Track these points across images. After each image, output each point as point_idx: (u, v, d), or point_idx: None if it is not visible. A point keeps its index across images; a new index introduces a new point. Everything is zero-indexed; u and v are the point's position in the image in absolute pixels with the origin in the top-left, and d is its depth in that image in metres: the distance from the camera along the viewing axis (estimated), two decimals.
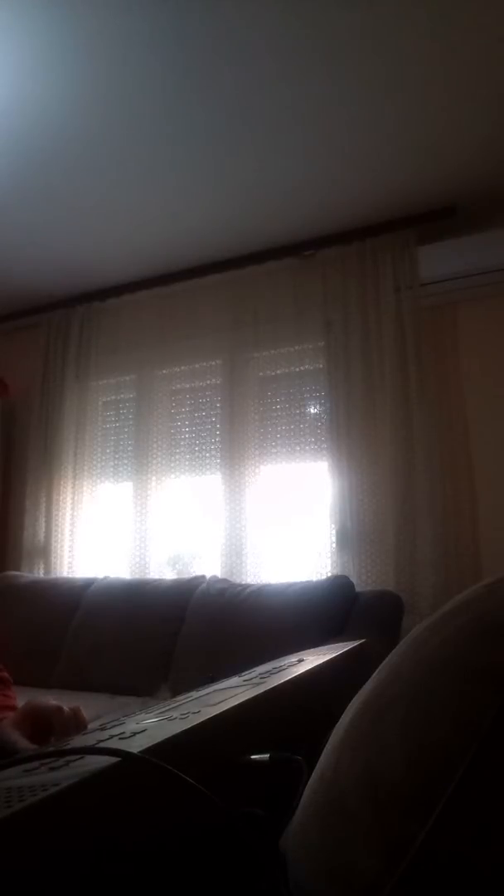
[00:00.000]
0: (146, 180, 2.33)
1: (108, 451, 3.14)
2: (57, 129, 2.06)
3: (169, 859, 0.37)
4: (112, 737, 0.46)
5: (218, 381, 2.92)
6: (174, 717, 0.50)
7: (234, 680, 0.72)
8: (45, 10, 1.62)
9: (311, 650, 0.92)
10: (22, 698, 0.94)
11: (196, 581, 2.46)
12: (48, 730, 0.81)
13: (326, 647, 0.98)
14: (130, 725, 0.51)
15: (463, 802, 0.31)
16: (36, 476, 3.15)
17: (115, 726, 0.53)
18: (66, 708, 0.82)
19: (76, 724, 0.82)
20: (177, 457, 2.97)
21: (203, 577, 2.50)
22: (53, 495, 3.09)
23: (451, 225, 2.48)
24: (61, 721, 0.81)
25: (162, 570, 2.92)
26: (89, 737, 0.50)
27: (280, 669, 0.70)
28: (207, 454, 2.90)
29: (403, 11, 1.63)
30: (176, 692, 1.92)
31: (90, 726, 0.83)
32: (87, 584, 2.62)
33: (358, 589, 2.21)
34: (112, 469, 3.10)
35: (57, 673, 2.35)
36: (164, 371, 3.05)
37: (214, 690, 0.64)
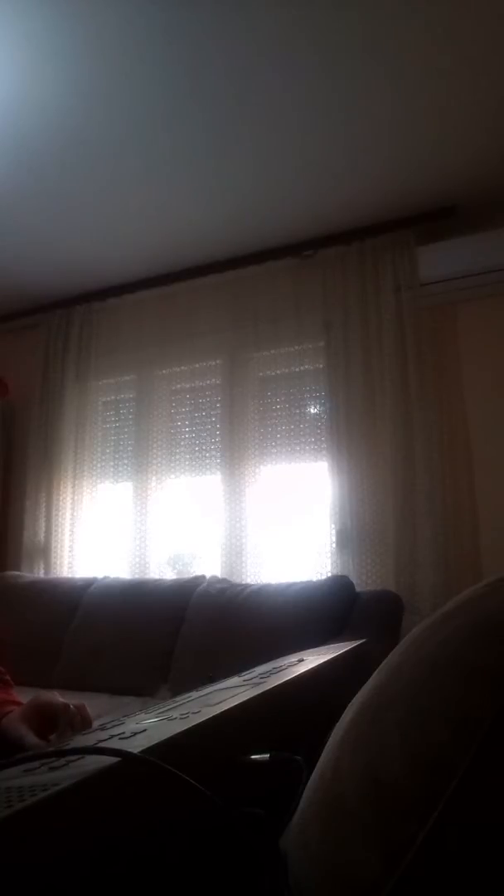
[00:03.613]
0: (146, 180, 2.33)
1: (108, 451, 3.13)
2: (57, 129, 2.06)
3: (169, 859, 0.37)
4: (112, 737, 0.46)
5: (218, 381, 2.92)
6: (174, 717, 0.50)
7: (234, 680, 0.72)
8: (45, 10, 1.62)
9: (311, 650, 0.92)
10: (23, 698, 0.94)
11: (196, 581, 2.46)
12: (54, 725, 0.82)
13: (326, 647, 0.98)
14: (130, 725, 0.51)
15: (463, 803, 0.31)
16: (36, 476, 3.15)
17: (115, 726, 0.53)
18: (71, 706, 0.83)
19: (82, 721, 0.83)
20: (177, 457, 2.96)
21: (203, 577, 2.50)
22: (53, 495, 3.10)
23: (451, 225, 2.48)
24: (67, 718, 0.82)
25: (162, 570, 2.92)
26: (89, 737, 0.50)
27: (280, 669, 0.70)
28: (207, 454, 2.90)
29: (403, 12, 1.63)
30: (176, 692, 1.92)
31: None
32: (87, 585, 2.62)
33: (358, 589, 2.21)
34: (112, 469, 3.10)
35: (57, 673, 2.35)
36: (164, 371, 3.05)
37: (214, 690, 0.64)
